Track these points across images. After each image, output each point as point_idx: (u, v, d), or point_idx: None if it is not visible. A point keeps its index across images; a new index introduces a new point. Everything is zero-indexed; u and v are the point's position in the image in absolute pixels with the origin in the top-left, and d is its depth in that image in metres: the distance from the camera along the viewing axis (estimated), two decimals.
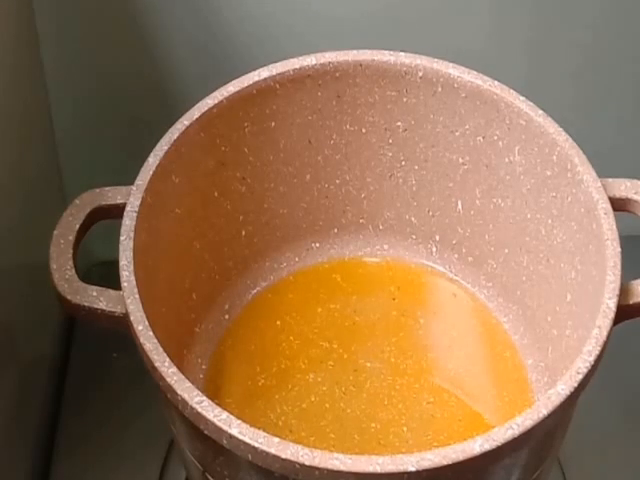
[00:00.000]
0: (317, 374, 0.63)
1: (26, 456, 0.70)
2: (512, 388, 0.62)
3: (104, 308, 0.53)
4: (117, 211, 0.55)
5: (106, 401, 0.74)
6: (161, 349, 0.50)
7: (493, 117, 0.60)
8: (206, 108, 0.59)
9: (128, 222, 0.54)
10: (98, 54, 0.74)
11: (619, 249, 0.53)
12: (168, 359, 0.49)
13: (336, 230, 0.68)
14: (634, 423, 0.73)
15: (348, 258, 0.68)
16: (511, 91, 0.59)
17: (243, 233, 0.65)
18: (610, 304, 0.51)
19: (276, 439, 0.46)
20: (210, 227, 0.63)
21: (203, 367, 0.63)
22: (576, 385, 0.48)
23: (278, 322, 0.65)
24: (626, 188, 0.57)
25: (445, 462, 0.45)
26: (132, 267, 0.52)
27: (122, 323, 0.52)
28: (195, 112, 0.59)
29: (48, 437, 0.73)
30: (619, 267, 0.52)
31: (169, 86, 0.76)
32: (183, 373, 0.49)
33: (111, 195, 0.57)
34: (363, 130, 0.64)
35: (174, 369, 0.49)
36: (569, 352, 0.55)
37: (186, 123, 0.58)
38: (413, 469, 0.45)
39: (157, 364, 0.49)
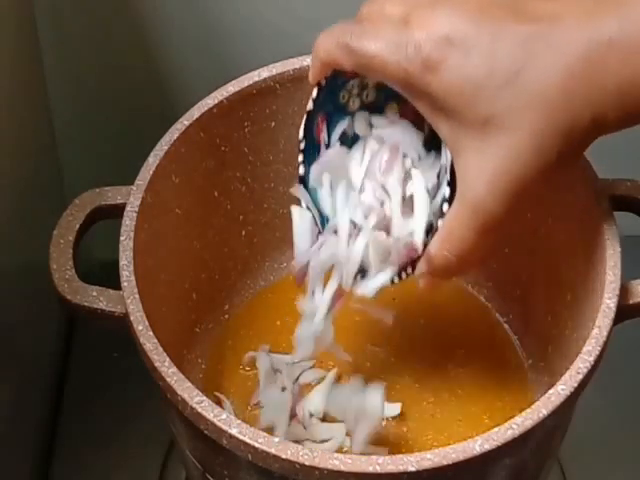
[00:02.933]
0: None
1: (26, 456, 0.70)
2: (512, 388, 0.62)
3: (104, 308, 0.53)
4: (117, 211, 0.55)
5: (106, 401, 0.74)
6: (161, 349, 0.50)
7: None
8: (206, 108, 0.59)
9: (128, 222, 0.54)
10: (98, 54, 0.74)
11: (619, 249, 0.53)
12: (168, 359, 0.49)
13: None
14: (634, 423, 0.73)
15: None
16: None
17: (243, 233, 0.65)
18: (610, 304, 0.51)
19: (276, 439, 0.46)
20: (210, 227, 0.63)
21: (203, 367, 0.63)
22: (576, 385, 0.48)
23: (278, 322, 0.65)
24: (626, 188, 0.57)
25: (445, 462, 0.45)
26: (132, 267, 0.52)
27: (122, 323, 0.52)
28: (195, 112, 0.59)
29: (48, 437, 0.73)
30: (619, 267, 0.52)
31: (169, 86, 0.76)
32: (183, 373, 0.49)
33: (111, 195, 0.57)
34: None
35: (174, 369, 0.49)
36: (569, 352, 0.55)
37: (186, 123, 0.58)
38: (413, 469, 0.45)
39: (157, 364, 0.49)
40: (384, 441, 0.59)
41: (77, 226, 0.56)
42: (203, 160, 0.60)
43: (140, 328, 0.50)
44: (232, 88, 0.60)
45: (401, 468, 0.45)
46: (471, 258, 0.49)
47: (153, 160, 0.57)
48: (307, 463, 0.45)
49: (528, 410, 0.47)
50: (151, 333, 0.50)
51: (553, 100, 0.44)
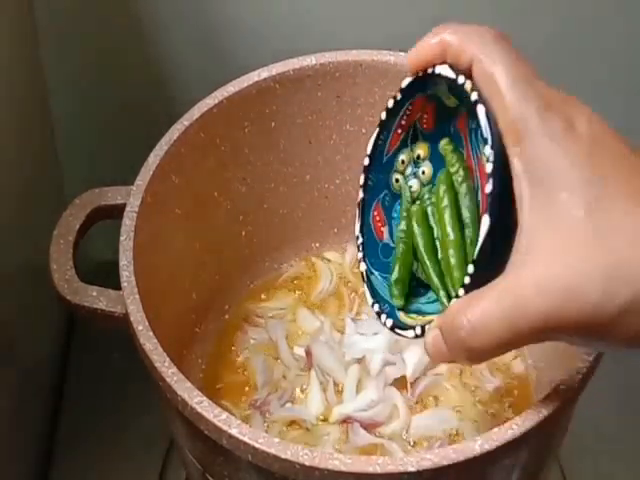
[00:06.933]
0: None
1: (26, 456, 0.70)
2: (512, 388, 0.62)
3: (104, 308, 0.53)
4: (117, 211, 0.55)
5: (106, 401, 0.74)
6: (161, 349, 0.49)
7: None
8: (206, 108, 0.59)
9: (128, 222, 0.54)
10: (98, 54, 0.74)
11: None
12: (168, 359, 0.49)
13: (336, 230, 0.68)
14: (634, 423, 0.73)
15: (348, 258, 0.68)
16: None
17: (243, 233, 0.65)
18: None
19: (276, 439, 0.46)
20: (210, 227, 0.63)
21: (203, 367, 0.63)
22: (576, 385, 0.48)
23: None
24: None
25: (445, 462, 0.45)
26: (132, 267, 0.52)
27: (122, 323, 0.52)
28: (195, 112, 0.59)
29: (48, 437, 0.73)
30: None
31: (169, 86, 0.76)
32: (183, 373, 0.49)
33: (111, 195, 0.57)
34: (363, 130, 0.64)
35: (174, 369, 0.49)
36: (569, 352, 0.55)
37: (186, 123, 0.58)
38: (413, 469, 0.45)
39: (157, 364, 0.49)
40: None
41: (77, 226, 0.56)
42: (203, 160, 0.60)
43: (140, 328, 0.50)
44: (232, 88, 0.60)
45: (401, 468, 0.45)
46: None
47: (153, 160, 0.57)
48: (307, 463, 0.45)
49: (528, 410, 0.47)
50: (151, 333, 0.50)
51: None
